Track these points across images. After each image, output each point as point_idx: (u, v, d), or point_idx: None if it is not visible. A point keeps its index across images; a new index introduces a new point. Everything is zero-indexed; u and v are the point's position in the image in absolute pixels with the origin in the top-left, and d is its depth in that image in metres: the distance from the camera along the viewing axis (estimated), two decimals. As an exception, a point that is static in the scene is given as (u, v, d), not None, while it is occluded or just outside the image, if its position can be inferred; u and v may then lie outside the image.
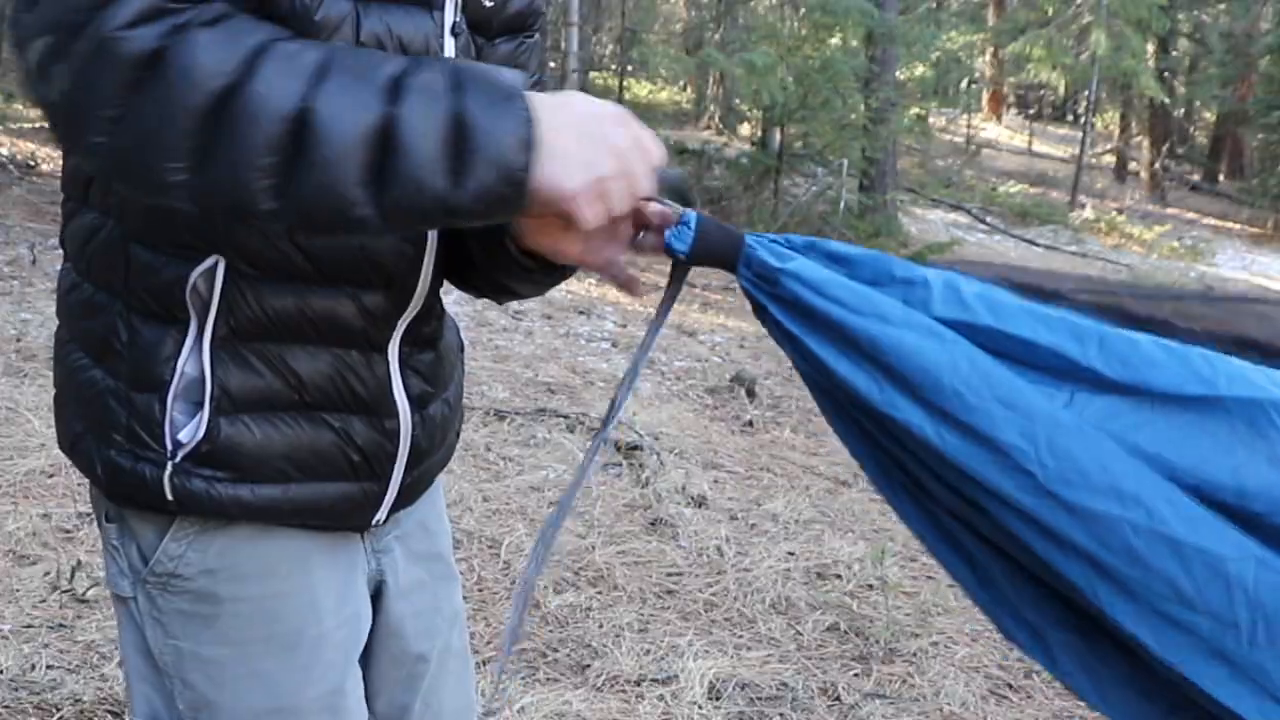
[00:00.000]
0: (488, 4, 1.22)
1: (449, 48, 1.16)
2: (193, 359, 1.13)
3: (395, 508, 1.28)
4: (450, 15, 1.16)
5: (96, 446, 1.18)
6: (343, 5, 1.07)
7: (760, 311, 1.13)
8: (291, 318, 1.14)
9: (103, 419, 1.17)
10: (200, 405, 1.13)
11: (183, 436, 1.14)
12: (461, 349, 1.41)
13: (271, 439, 1.16)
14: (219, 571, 1.18)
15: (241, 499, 1.16)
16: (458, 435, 1.40)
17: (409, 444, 1.24)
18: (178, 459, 1.14)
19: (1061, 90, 23.36)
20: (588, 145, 0.99)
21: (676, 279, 1.16)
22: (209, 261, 1.11)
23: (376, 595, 1.33)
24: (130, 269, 1.13)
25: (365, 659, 1.32)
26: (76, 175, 1.17)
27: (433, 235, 1.19)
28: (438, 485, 1.41)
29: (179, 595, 1.19)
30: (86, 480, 1.23)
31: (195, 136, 0.90)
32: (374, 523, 1.27)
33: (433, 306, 1.26)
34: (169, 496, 1.15)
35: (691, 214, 1.11)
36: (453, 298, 1.40)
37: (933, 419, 1.05)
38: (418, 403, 1.25)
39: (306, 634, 1.22)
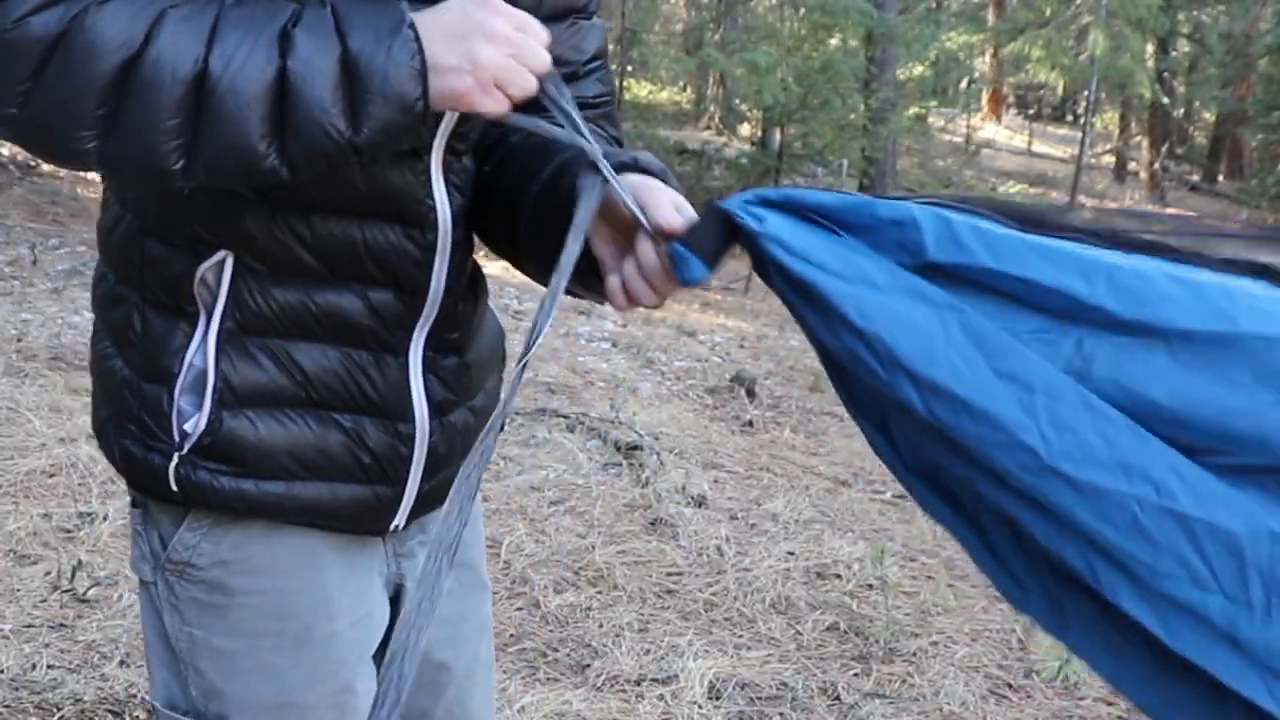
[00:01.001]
0: None
1: None
2: (200, 352, 1.14)
3: (415, 514, 1.27)
4: None
5: (116, 435, 1.20)
6: None
7: (762, 272, 1.08)
8: (297, 313, 1.14)
9: (120, 408, 1.19)
10: (204, 398, 1.14)
11: (188, 428, 1.15)
12: (503, 358, 1.39)
13: (275, 434, 1.16)
14: (232, 564, 1.19)
15: (245, 493, 1.16)
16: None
17: (427, 450, 1.23)
18: (184, 450, 1.15)
19: (1060, 90, 23.37)
20: (466, 43, 1.00)
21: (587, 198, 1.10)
22: (217, 256, 1.12)
23: (396, 599, 1.32)
24: (145, 262, 1.15)
25: (379, 664, 1.31)
26: None
27: (444, 239, 1.18)
28: (476, 493, 1.39)
29: (194, 584, 1.20)
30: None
31: (103, 106, 0.95)
32: (392, 528, 1.26)
33: (456, 312, 1.24)
34: (174, 487, 1.16)
35: (674, 244, 1.08)
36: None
37: (922, 393, 0.99)
38: (438, 409, 1.23)
39: (317, 631, 1.22)
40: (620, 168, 1.12)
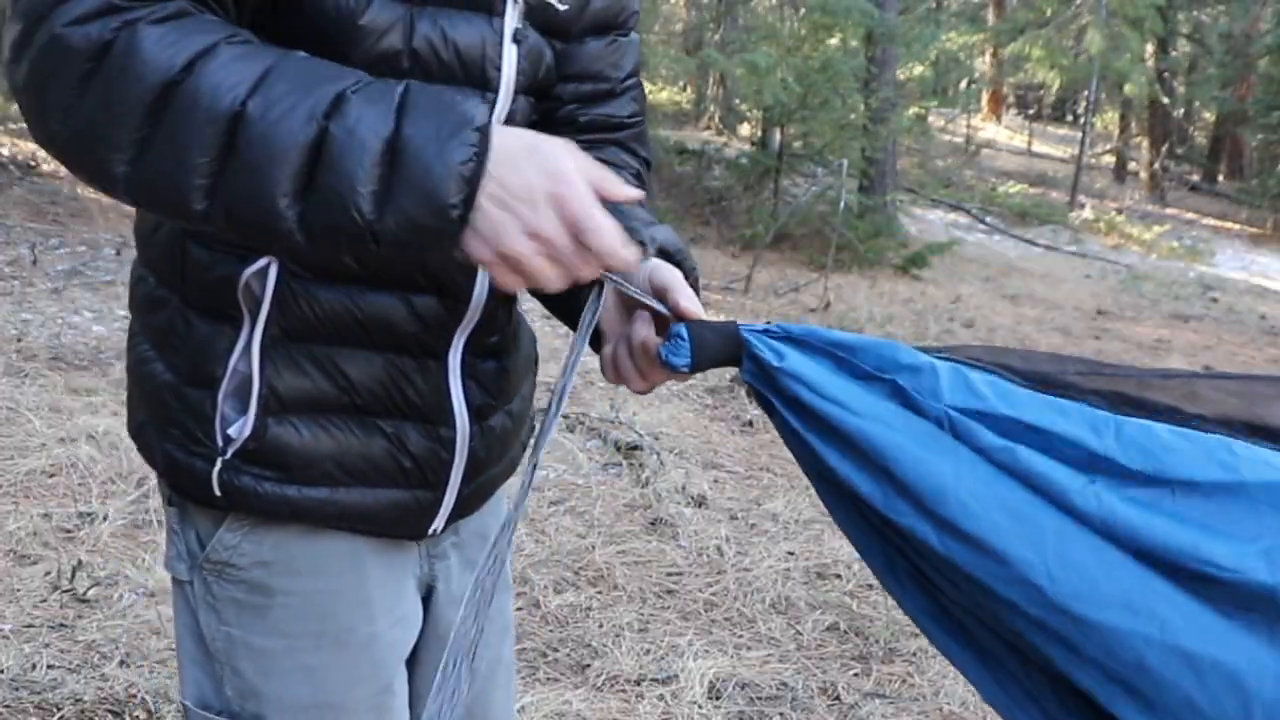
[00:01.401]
0: (561, 7, 1.20)
1: (509, 55, 1.14)
2: (244, 357, 1.13)
3: (453, 518, 1.27)
4: (511, 22, 1.13)
5: (156, 438, 1.19)
6: (394, 9, 1.05)
7: (765, 405, 1.10)
8: (342, 320, 1.14)
9: (161, 411, 1.18)
10: (248, 403, 1.13)
11: (232, 433, 1.14)
12: (536, 362, 1.39)
13: (320, 441, 1.15)
14: (273, 564, 1.19)
15: (289, 499, 1.16)
16: (523, 448, 1.38)
17: (467, 454, 1.23)
18: (227, 455, 1.14)
19: (1054, 90, 23.35)
20: (534, 207, 0.92)
21: (594, 300, 1.10)
22: (262, 261, 1.11)
23: (426, 599, 1.32)
24: (187, 265, 1.14)
25: (411, 663, 1.31)
26: None
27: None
28: (499, 495, 1.39)
29: (234, 584, 1.19)
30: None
31: (136, 129, 0.90)
32: (430, 532, 1.26)
33: (496, 317, 1.23)
34: (217, 492, 1.15)
35: (681, 326, 1.08)
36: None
37: (936, 528, 1.03)
38: (478, 413, 1.23)
39: (358, 632, 1.22)
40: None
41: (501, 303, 1.24)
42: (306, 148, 0.90)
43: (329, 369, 1.15)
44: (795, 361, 1.07)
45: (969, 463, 1.03)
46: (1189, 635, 0.98)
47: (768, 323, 1.12)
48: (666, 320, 1.11)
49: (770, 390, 1.08)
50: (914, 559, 1.08)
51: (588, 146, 1.26)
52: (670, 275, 1.12)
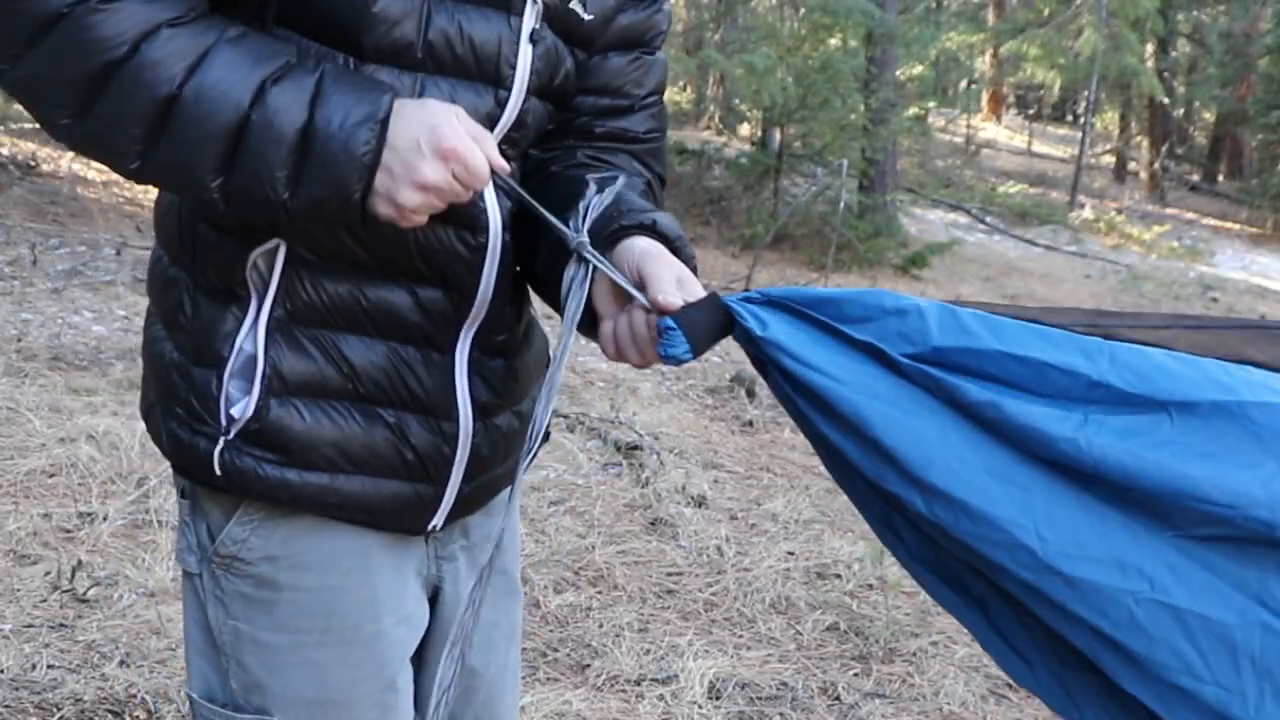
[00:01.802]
0: (586, 17, 1.21)
1: (524, 55, 1.15)
2: (250, 337, 1.14)
3: (454, 515, 1.27)
4: (529, 22, 1.15)
5: (163, 417, 1.20)
6: (409, 0, 1.07)
7: (761, 369, 1.11)
8: (347, 306, 1.15)
9: (168, 391, 1.19)
10: (252, 383, 1.14)
11: (234, 413, 1.15)
12: (548, 365, 1.39)
13: (322, 425, 1.16)
14: (280, 559, 1.19)
15: (289, 483, 1.16)
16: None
17: (469, 451, 1.24)
18: (230, 435, 1.15)
19: (1056, 90, 23.35)
20: (420, 158, 1.03)
21: (579, 278, 1.14)
22: (270, 243, 1.13)
23: (433, 601, 1.32)
24: (197, 244, 1.16)
25: (417, 665, 1.31)
26: None
27: (495, 243, 1.18)
28: (515, 501, 1.39)
29: (241, 578, 1.20)
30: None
31: (80, 95, 0.99)
32: (431, 527, 1.26)
33: (503, 315, 1.24)
34: (218, 471, 1.16)
35: (667, 318, 1.08)
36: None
37: (924, 496, 1.02)
38: (483, 410, 1.24)
39: (363, 629, 1.22)
40: (638, 228, 1.14)
41: (510, 301, 1.25)
42: (230, 134, 1.01)
43: (332, 354, 1.15)
44: (777, 330, 1.06)
45: (955, 425, 1.02)
46: (1178, 592, 0.97)
47: (746, 289, 1.11)
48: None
49: (759, 356, 1.09)
50: (911, 517, 1.07)
51: (600, 151, 1.27)
52: (653, 268, 1.12)
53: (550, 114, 1.24)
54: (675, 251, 1.16)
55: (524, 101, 1.17)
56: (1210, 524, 0.98)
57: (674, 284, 1.11)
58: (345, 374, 1.16)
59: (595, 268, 1.12)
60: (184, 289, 1.17)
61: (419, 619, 1.30)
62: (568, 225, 1.13)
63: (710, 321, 1.09)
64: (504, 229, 1.19)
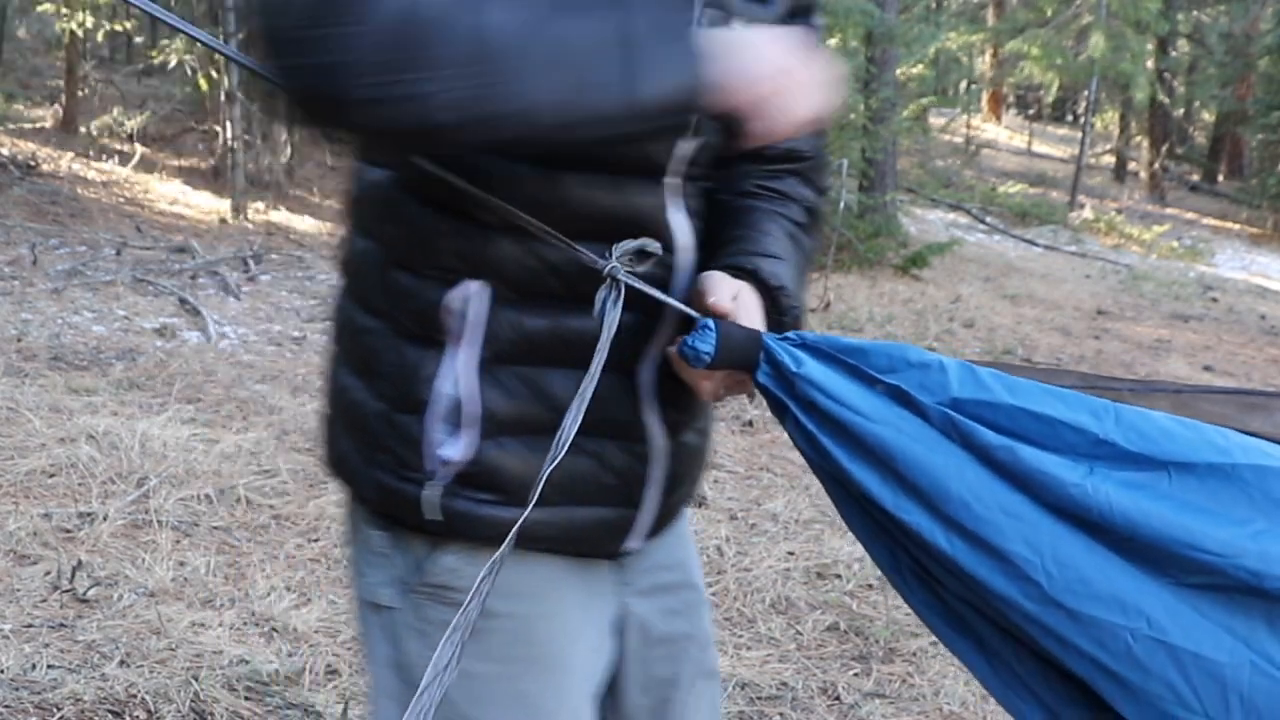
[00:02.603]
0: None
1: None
2: (451, 381, 1.13)
3: (649, 535, 1.27)
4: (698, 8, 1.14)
5: (364, 466, 1.19)
6: None
7: (778, 408, 1.15)
8: (547, 340, 1.15)
9: (368, 439, 1.18)
10: (458, 427, 1.14)
11: (447, 456, 1.14)
12: None
13: (531, 461, 1.15)
14: (493, 587, 1.15)
15: (509, 521, 1.13)
16: (702, 469, 1.38)
17: (664, 469, 1.24)
18: (447, 480, 1.15)
19: (1055, 90, 23.36)
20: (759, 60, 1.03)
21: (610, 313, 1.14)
22: (466, 285, 1.12)
23: (621, 627, 1.31)
24: (390, 292, 1.15)
25: (613, 689, 1.31)
26: (348, 202, 1.21)
27: (684, 260, 1.19)
28: (683, 516, 1.39)
29: (450, 607, 1.15)
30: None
31: (382, 52, 0.91)
32: (625, 550, 1.26)
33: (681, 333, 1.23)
34: (438, 516, 1.15)
35: (710, 319, 1.13)
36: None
37: (943, 527, 1.09)
38: (672, 429, 1.24)
39: (564, 657, 1.21)
40: (738, 272, 1.17)
41: (687, 323, 1.25)
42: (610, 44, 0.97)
43: (535, 390, 1.15)
44: (812, 368, 1.13)
45: (971, 464, 1.09)
46: (1173, 631, 1.05)
47: (786, 332, 1.18)
48: (693, 322, 1.15)
49: (786, 394, 1.14)
50: (918, 555, 1.14)
51: (770, 176, 1.29)
52: (714, 281, 1.15)
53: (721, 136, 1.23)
54: (773, 300, 1.18)
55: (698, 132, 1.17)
56: (1202, 572, 1.05)
57: (730, 296, 1.15)
58: (550, 408, 1.15)
59: (626, 287, 1.14)
60: (379, 337, 1.17)
61: (605, 648, 1.29)
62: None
63: (744, 346, 1.14)
64: (694, 248, 1.20)
